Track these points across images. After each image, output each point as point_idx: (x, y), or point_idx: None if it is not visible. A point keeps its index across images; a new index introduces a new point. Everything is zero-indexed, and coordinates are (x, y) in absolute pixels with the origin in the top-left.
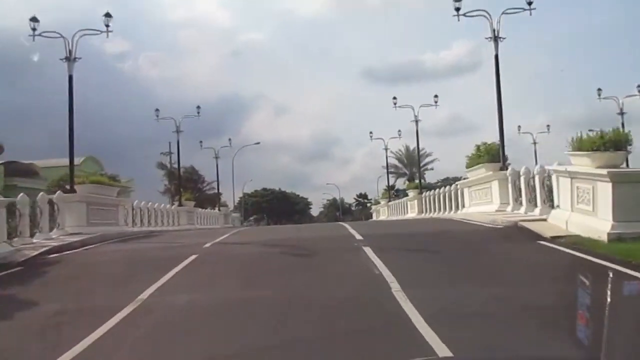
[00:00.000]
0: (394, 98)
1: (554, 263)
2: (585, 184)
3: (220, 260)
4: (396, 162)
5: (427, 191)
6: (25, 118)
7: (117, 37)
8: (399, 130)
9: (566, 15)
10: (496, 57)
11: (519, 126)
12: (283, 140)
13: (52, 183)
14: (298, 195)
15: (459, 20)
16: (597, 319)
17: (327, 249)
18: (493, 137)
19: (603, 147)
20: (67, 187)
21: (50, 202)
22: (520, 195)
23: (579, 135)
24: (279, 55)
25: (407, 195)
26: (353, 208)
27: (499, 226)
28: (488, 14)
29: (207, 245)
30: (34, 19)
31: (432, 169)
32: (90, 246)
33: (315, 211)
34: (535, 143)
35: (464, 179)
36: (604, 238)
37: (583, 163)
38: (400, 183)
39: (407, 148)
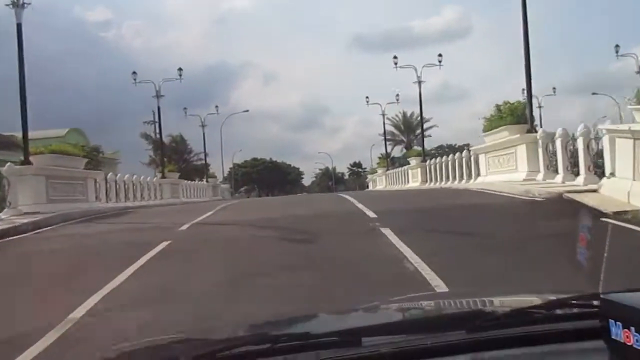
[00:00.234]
0: (395, 57)
1: None
2: None
3: (195, 251)
4: (393, 129)
5: (430, 159)
6: (8, 89)
7: (100, 5)
8: (397, 95)
9: None
10: None
11: (523, 89)
12: (272, 109)
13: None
14: (290, 165)
15: None
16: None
17: (336, 233)
18: (485, 105)
19: None
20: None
21: None
22: (555, 162)
23: None
24: (266, 22)
25: (407, 163)
26: (346, 177)
27: (537, 198)
28: None
29: (185, 227)
30: None
31: (429, 135)
32: (44, 229)
33: (307, 181)
34: (540, 107)
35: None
36: None
37: None
38: (397, 151)
39: (405, 114)
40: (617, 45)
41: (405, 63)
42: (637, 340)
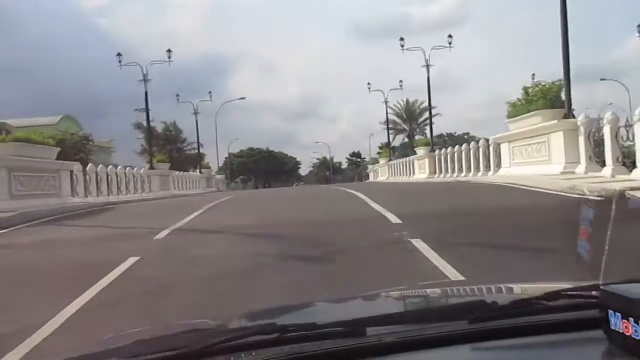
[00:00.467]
0: (402, 39)
1: None
2: None
3: (167, 278)
4: (395, 118)
5: (439, 149)
6: (7, 75)
7: None
8: (401, 81)
9: None
10: None
11: (534, 74)
12: (269, 99)
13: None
14: (287, 155)
15: None
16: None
17: (358, 248)
18: (482, 93)
19: None
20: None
21: None
22: (602, 153)
23: None
24: (264, 11)
25: (408, 153)
26: (343, 167)
27: (592, 197)
28: None
29: (162, 235)
30: None
31: (434, 124)
32: None
33: (304, 171)
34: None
35: (467, 135)
36: None
37: None
38: (398, 141)
39: (408, 102)
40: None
41: (405, 50)
42: (635, 331)
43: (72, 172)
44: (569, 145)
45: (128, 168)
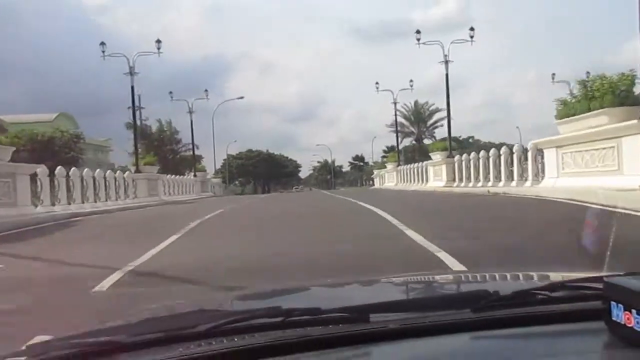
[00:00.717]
0: (418, 32)
1: None
2: None
3: None
4: (402, 120)
5: (459, 154)
6: (6, 72)
7: None
8: (411, 81)
9: None
10: None
11: (554, 74)
12: (269, 100)
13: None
14: (287, 158)
15: None
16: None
17: None
18: (482, 95)
19: None
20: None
21: None
22: None
23: None
24: (264, 12)
25: (414, 157)
26: (344, 170)
27: None
28: None
29: (107, 283)
30: None
31: (442, 126)
32: None
33: (303, 173)
34: (572, 94)
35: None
36: None
37: None
38: (406, 143)
39: (416, 103)
40: None
41: (405, 53)
42: (637, 322)
43: (35, 175)
44: None
45: (109, 171)
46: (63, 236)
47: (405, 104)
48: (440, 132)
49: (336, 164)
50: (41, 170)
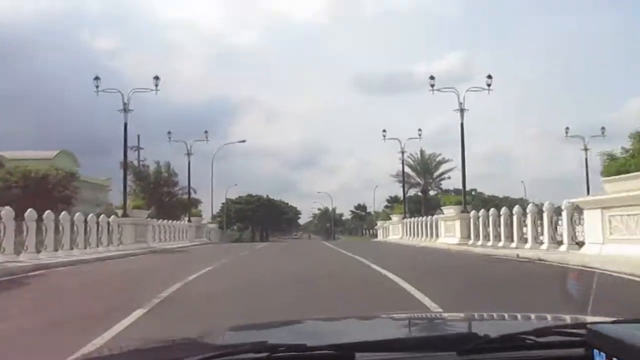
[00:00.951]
0: (432, 78)
1: None
2: None
3: None
4: (408, 170)
5: (476, 209)
6: (16, 107)
7: (106, 34)
8: (419, 130)
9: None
10: None
11: (567, 128)
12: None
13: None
14: (287, 204)
15: None
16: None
17: None
18: (483, 148)
19: None
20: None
21: None
22: None
23: None
24: (269, 59)
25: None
26: (344, 218)
27: None
28: None
29: None
30: None
31: (449, 177)
32: None
33: (303, 219)
34: (586, 149)
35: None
36: None
37: None
38: (411, 194)
39: (422, 153)
40: None
41: (407, 105)
42: None
43: None
44: None
45: (91, 215)
46: None
47: (410, 154)
48: (447, 184)
49: (337, 211)
50: (5, 212)
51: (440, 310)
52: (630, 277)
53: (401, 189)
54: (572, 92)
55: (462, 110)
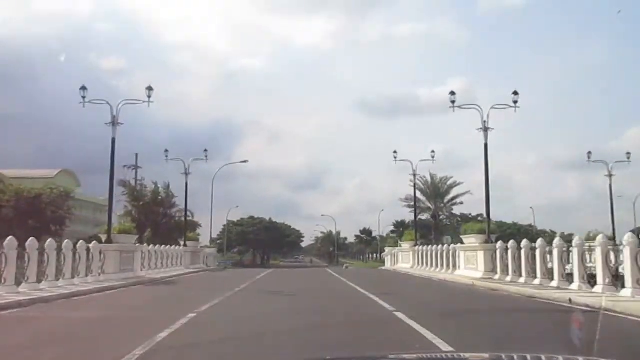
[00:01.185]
0: (452, 93)
1: None
2: None
3: None
4: (418, 194)
5: (504, 240)
6: (17, 126)
7: (113, 55)
8: (433, 151)
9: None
10: None
11: (589, 152)
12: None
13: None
14: (289, 227)
15: None
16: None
17: None
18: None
19: None
20: None
21: None
22: None
23: None
24: (274, 82)
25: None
26: (347, 241)
27: None
28: None
29: None
30: None
31: (461, 203)
32: None
33: (305, 242)
34: (611, 175)
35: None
36: None
37: None
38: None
39: (433, 177)
40: None
41: (412, 129)
42: None
43: None
44: None
45: (66, 241)
46: None
47: (420, 177)
48: (458, 209)
49: (340, 235)
50: None
51: None
52: None
53: (407, 213)
54: (575, 118)
55: (486, 130)
